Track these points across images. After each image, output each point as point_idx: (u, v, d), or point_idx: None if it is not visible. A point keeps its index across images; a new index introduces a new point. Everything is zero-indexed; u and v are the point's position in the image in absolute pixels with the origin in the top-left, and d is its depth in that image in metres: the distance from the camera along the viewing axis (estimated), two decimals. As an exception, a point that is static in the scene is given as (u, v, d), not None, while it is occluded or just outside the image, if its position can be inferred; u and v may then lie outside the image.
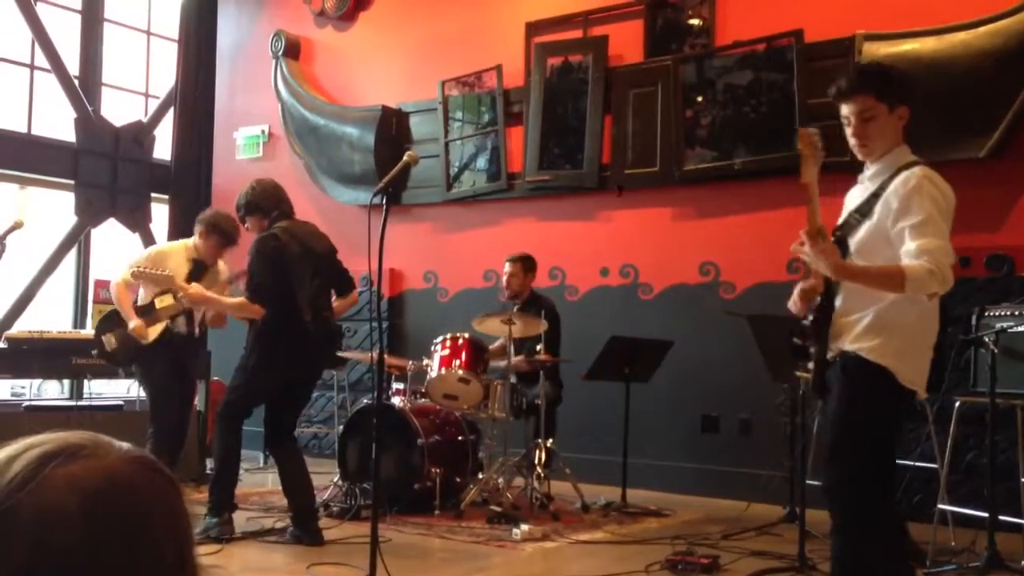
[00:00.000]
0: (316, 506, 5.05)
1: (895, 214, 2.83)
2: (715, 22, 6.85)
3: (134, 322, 5.40)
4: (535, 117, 7.46)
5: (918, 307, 2.90)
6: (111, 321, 5.59)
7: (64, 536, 0.77)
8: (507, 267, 6.48)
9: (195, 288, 4.96)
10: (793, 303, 3.12)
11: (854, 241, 2.92)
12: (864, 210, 2.94)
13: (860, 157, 3.05)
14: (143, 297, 5.57)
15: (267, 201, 4.94)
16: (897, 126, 2.99)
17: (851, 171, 3.25)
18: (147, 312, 5.46)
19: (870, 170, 3.04)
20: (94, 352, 5.66)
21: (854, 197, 3.08)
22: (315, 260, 4.91)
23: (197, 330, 5.70)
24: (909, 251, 2.77)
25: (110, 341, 5.55)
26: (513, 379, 5.89)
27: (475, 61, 7.82)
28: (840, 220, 3.01)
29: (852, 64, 3.09)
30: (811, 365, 3.10)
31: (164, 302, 5.38)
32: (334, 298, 5.13)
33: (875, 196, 2.93)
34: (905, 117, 3.00)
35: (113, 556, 0.79)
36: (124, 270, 5.53)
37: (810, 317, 3.02)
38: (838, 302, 2.97)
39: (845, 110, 3.00)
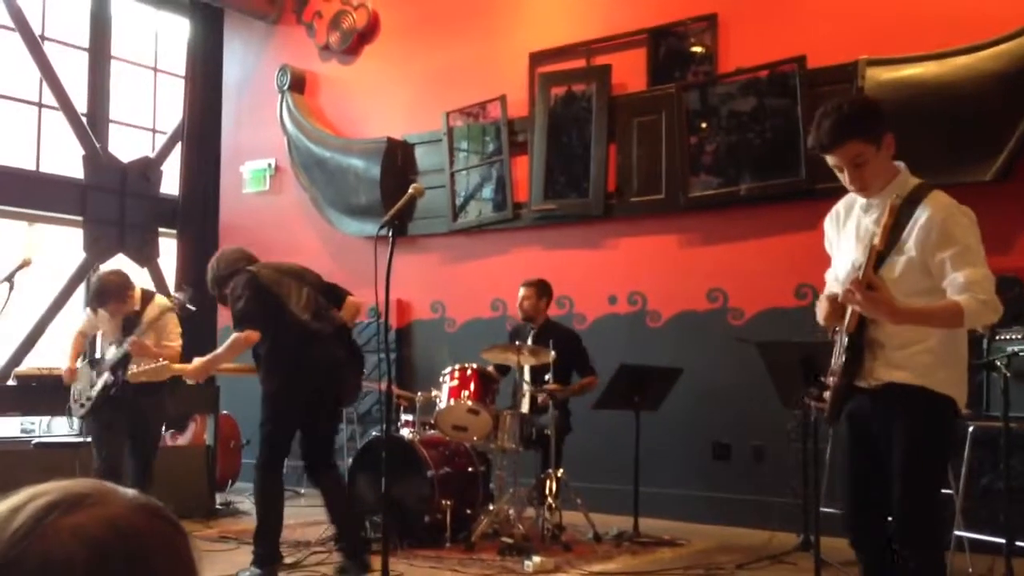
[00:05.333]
0: (364, 535, 4.96)
1: (933, 244, 2.77)
2: (718, 49, 6.88)
3: (66, 365, 5.53)
4: (540, 146, 7.49)
5: (963, 336, 2.93)
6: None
7: None
8: (522, 291, 6.46)
9: (195, 365, 4.91)
10: (823, 314, 2.99)
11: (892, 278, 2.81)
12: (890, 241, 2.84)
13: (863, 198, 2.96)
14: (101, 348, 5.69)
15: (230, 266, 4.90)
16: (888, 156, 2.90)
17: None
18: (95, 364, 5.53)
19: (875, 199, 2.93)
20: (69, 406, 5.64)
21: (863, 225, 2.97)
22: (296, 275, 4.90)
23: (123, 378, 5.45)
24: (955, 284, 2.72)
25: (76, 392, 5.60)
26: (525, 408, 5.88)
27: (479, 92, 7.86)
28: (867, 271, 2.80)
29: (825, 110, 2.87)
30: (827, 395, 3.04)
31: (109, 354, 5.47)
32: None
33: (897, 227, 2.83)
34: (892, 145, 2.90)
35: None
36: (80, 321, 5.80)
37: (843, 356, 2.91)
38: (880, 334, 2.87)
39: (833, 160, 2.88)
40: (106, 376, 5.41)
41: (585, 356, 6.37)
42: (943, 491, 3.03)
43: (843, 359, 2.92)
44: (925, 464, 2.88)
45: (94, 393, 5.43)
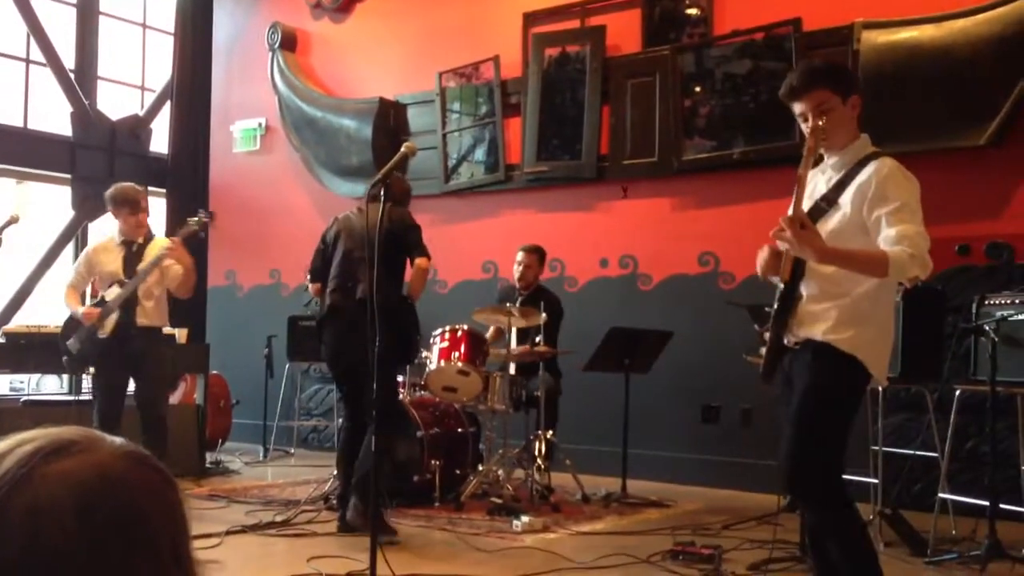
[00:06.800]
0: (346, 492, 4.89)
1: (870, 202, 2.83)
2: (713, 11, 6.82)
3: (82, 308, 5.27)
4: (533, 108, 7.44)
5: (886, 299, 2.97)
6: (70, 325, 5.40)
7: (57, 532, 0.76)
8: (522, 257, 6.41)
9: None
10: (763, 262, 3.07)
11: (826, 230, 2.88)
12: (831, 198, 2.94)
13: (823, 151, 3.05)
14: (93, 294, 5.55)
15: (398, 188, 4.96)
16: (852, 116, 3.00)
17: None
18: (99, 306, 5.30)
19: (831, 160, 3.04)
20: (64, 359, 5.40)
21: (818, 188, 3.06)
22: (354, 230, 4.94)
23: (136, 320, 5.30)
24: (888, 237, 2.76)
25: (74, 345, 5.34)
26: (512, 370, 5.88)
27: (472, 52, 7.79)
28: (797, 208, 2.87)
29: (799, 62, 3.08)
30: (763, 351, 3.09)
31: (111, 294, 5.27)
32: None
33: (841, 185, 2.93)
34: (858, 107, 3.01)
35: (107, 552, 0.78)
36: (69, 276, 5.55)
37: (775, 305, 3.00)
38: (804, 289, 2.94)
39: (800, 108, 2.99)
40: (116, 315, 5.23)
41: (557, 326, 6.32)
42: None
43: (775, 307, 2.99)
44: (816, 421, 2.92)
45: (102, 336, 5.23)
